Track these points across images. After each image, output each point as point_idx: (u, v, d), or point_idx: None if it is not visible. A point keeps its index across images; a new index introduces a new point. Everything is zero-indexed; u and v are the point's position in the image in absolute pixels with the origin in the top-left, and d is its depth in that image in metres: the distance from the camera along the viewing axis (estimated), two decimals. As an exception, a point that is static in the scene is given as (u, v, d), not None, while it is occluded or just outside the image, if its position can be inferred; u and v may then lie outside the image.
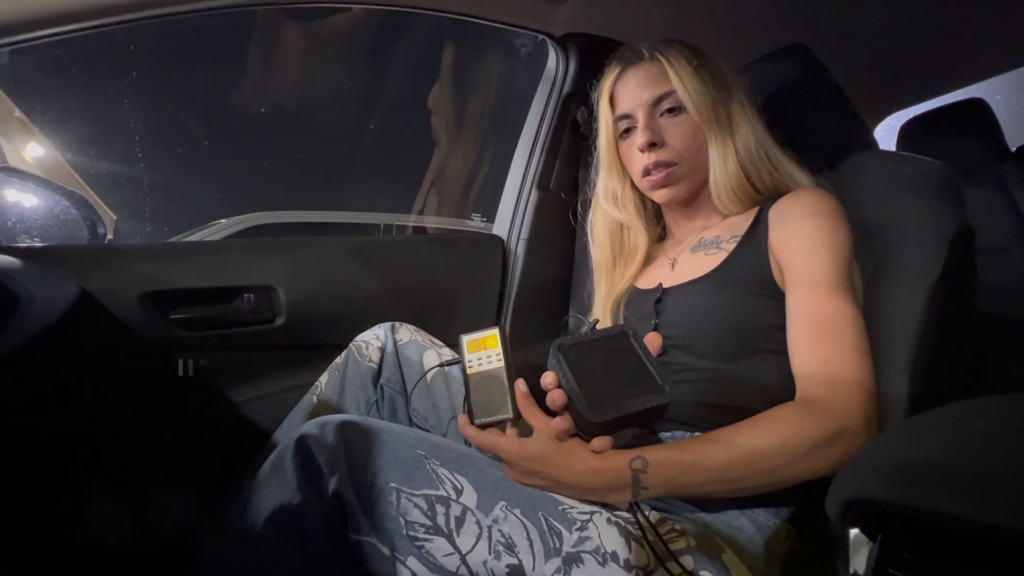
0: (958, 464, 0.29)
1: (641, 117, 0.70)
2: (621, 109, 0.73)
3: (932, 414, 0.35)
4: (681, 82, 0.68)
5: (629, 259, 0.79)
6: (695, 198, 0.74)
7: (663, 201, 0.73)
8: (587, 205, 0.84)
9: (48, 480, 0.69)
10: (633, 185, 0.78)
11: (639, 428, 0.56)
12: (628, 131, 0.73)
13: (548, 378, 0.48)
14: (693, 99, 0.68)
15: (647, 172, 0.70)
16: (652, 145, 0.69)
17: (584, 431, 0.48)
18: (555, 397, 0.47)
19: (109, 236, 1.00)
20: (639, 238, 0.78)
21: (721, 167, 0.69)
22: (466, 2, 0.88)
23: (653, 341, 0.51)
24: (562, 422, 0.47)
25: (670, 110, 0.69)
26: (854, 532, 0.32)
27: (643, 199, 0.80)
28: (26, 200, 0.94)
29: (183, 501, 0.78)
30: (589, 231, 0.83)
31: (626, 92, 0.72)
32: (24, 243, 0.88)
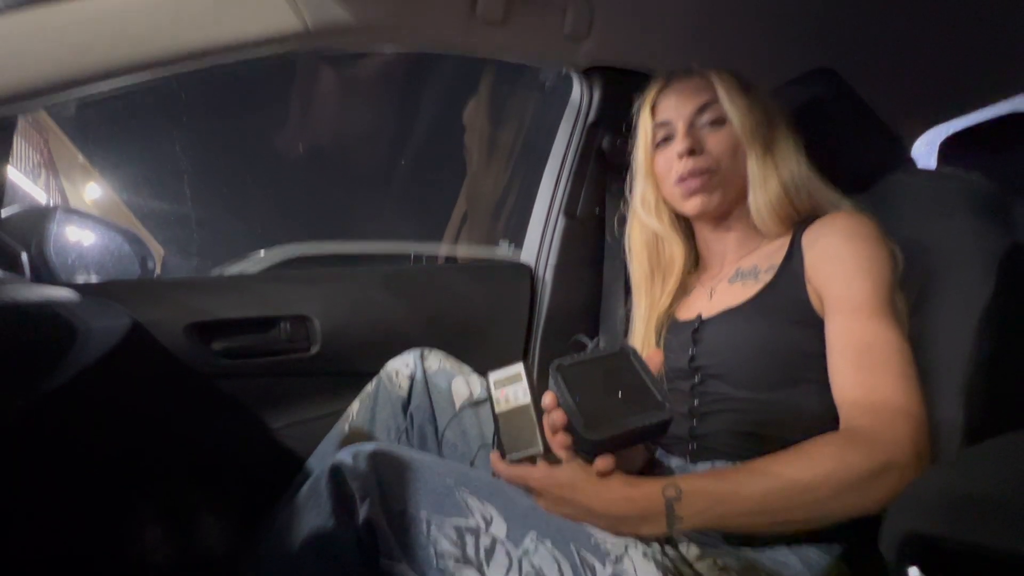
0: (1019, 500, 0.27)
1: (681, 126, 0.69)
2: (662, 117, 0.72)
3: (991, 444, 0.33)
4: (727, 94, 0.68)
5: (667, 272, 0.77)
6: (727, 215, 0.72)
7: (694, 212, 0.71)
8: (622, 221, 0.84)
9: (102, 499, 0.72)
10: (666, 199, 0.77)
11: (644, 446, 0.54)
12: (666, 140, 0.72)
13: (547, 399, 0.48)
14: (737, 113, 0.67)
15: (682, 179, 0.69)
16: (691, 152, 0.68)
17: (584, 451, 0.47)
18: (554, 418, 0.47)
19: (157, 271, 1.06)
20: (675, 250, 0.76)
21: (761, 185, 0.68)
22: (492, 45, 0.91)
23: (654, 358, 0.50)
24: (563, 437, 0.47)
25: (712, 122, 0.69)
26: (913, 571, 0.30)
27: (675, 212, 0.78)
28: (84, 239, 1.01)
29: (223, 523, 0.79)
30: (627, 248, 0.82)
31: (668, 102, 0.72)
32: (82, 279, 0.94)
